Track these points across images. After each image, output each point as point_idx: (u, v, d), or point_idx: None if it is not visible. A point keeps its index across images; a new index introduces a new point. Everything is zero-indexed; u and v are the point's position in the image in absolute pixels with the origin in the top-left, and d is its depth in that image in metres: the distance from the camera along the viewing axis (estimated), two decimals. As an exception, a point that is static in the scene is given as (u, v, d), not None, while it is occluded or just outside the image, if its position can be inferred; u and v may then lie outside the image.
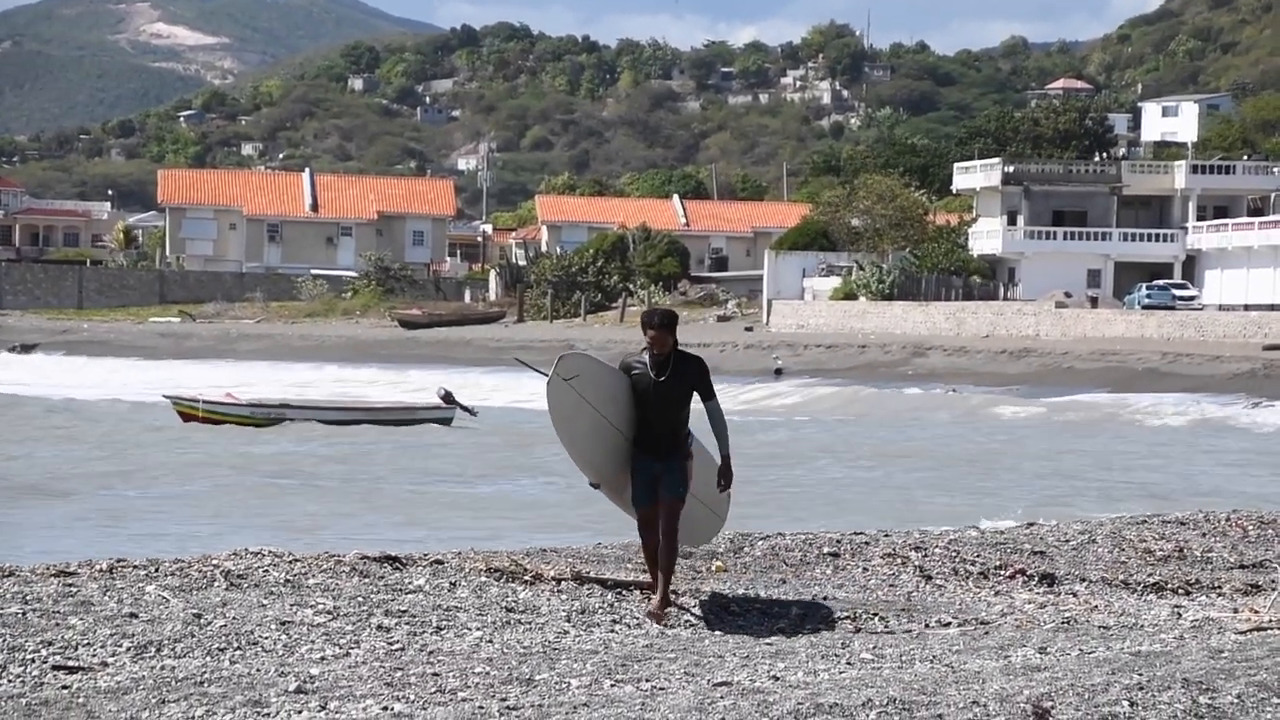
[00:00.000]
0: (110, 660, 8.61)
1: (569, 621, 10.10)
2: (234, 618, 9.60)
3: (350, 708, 7.59)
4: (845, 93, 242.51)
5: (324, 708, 7.58)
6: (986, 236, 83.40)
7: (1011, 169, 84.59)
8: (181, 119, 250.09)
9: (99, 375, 61.18)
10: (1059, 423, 43.19)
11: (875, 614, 11.01)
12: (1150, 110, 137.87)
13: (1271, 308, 69.53)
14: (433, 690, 7.97)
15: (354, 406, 38.00)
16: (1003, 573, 13.02)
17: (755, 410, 47.27)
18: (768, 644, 9.65)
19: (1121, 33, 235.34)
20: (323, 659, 8.76)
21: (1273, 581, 12.83)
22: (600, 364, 10.67)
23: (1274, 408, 45.19)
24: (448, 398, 35.70)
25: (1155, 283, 76.18)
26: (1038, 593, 12.34)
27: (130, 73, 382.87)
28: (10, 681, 8.13)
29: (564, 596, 10.89)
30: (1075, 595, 12.26)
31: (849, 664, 8.96)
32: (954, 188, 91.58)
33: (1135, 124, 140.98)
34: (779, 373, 61.62)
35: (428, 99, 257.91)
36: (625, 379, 10.46)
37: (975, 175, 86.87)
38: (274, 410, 36.22)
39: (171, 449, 31.24)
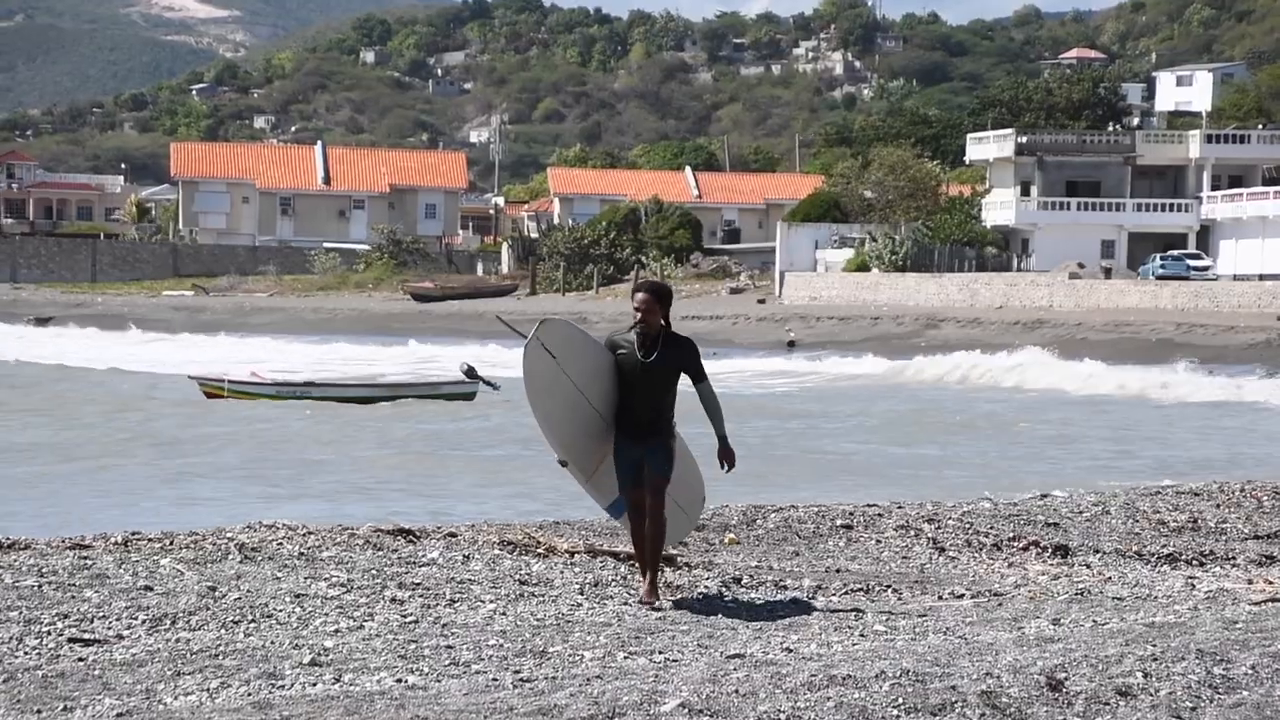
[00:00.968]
0: (125, 633, 8.64)
1: (582, 594, 10.12)
2: (248, 590, 9.63)
3: (364, 680, 7.61)
4: (857, 63, 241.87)
5: (338, 680, 7.61)
6: (1000, 207, 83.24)
7: (1025, 139, 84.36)
8: (194, 92, 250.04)
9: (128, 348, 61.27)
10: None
11: (888, 586, 11.02)
12: (1165, 79, 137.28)
13: (1286, 278, 69.38)
14: (447, 663, 7.99)
15: (378, 384, 38.02)
16: (1016, 544, 13.03)
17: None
18: (781, 616, 9.66)
19: (1135, 1, 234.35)
20: (337, 631, 8.79)
21: (1286, 552, 12.83)
22: (585, 336, 10.05)
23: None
24: (470, 372, 35.67)
25: (1170, 253, 75.99)
26: (1051, 564, 12.34)
27: (142, 46, 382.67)
28: (27, 654, 8.16)
29: (577, 569, 10.92)
30: (1089, 567, 12.27)
31: (862, 636, 8.98)
32: (967, 158, 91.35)
33: (1149, 93, 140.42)
34: (792, 345, 61.60)
35: (439, 71, 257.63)
36: (610, 357, 9.84)
37: (988, 146, 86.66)
38: (299, 388, 36.33)
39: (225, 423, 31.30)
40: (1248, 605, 10.01)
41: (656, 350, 9.71)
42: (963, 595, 10.73)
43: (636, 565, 10.23)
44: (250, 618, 9.05)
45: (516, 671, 7.77)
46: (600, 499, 10.17)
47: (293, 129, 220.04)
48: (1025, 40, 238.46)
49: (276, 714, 6.57)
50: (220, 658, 8.06)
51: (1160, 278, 70.79)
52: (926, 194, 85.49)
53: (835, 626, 9.26)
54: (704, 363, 9.92)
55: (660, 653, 8.37)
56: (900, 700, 6.59)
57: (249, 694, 7.31)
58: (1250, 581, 11.47)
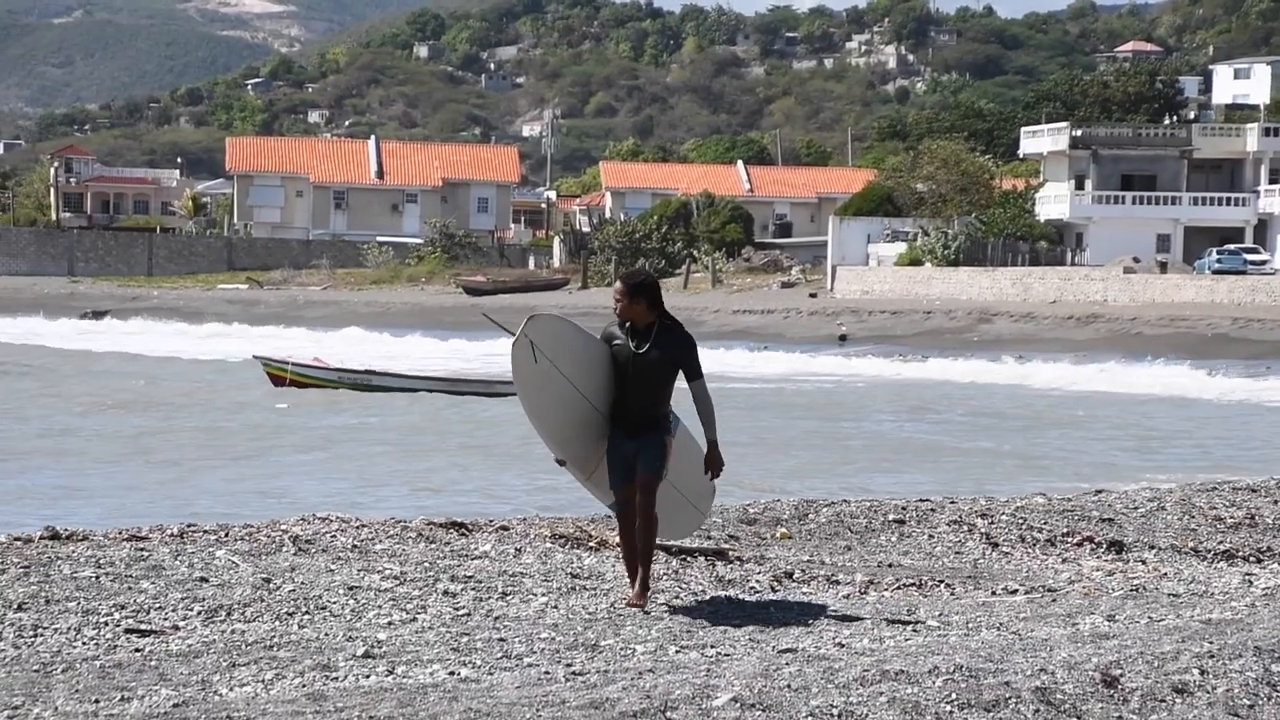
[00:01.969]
0: (181, 624, 8.70)
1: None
2: (302, 582, 9.68)
3: (417, 672, 7.64)
4: (910, 57, 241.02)
5: (391, 672, 7.64)
6: (1054, 201, 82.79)
7: (1079, 133, 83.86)
8: (249, 87, 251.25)
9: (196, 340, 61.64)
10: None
11: (941, 581, 10.98)
12: (1222, 72, 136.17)
13: (1344, 273, 68.78)
14: (499, 655, 8.01)
15: (437, 376, 38.11)
16: (1070, 540, 12.97)
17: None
18: (833, 611, 9.65)
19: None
20: (390, 624, 8.82)
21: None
22: (577, 329, 9.63)
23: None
24: None
25: (1226, 247, 75.43)
26: (1106, 560, 12.28)
27: (198, 41, 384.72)
28: (85, 644, 8.23)
29: (630, 562, 10.92)
30: (1144, 562, 12.20)
31: (915, 631, 8.95)
32: (1021, 152, 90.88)
33: (1206, 86, 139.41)
34: (843, 339, 61.45)
35: (492, 66, 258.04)
36: (605, 349, 9.48)
37: (1043, 139, 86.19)
38: (360, 376, 36.53)
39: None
40: (1304, 602, 9.93)
41: (650, 341, 9.37)
42: (1016, 591, 10.69)
43: (626, 566, 9.72)
44: (304, 610, 9.09)
45: (569, 665, 7.79)
46: (603, 497, 9.78)
47: (346, 123, 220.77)
48: (1080, 33, 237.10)
49: (330, 706, 6.61)
50: (275, 649, 8.11)
51: (1216, 272, 70.26)
52: (979, 188, 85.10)
53: (888, 621, 9.24)
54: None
55: (712, 647, 8.37)
56: (954, 696, 6.57)
57: (303, 685, 7.35)
58: (1307, 578, 11.38)
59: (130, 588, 9.40)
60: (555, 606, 9.46)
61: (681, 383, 9.43)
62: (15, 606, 8.83)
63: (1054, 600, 10.23)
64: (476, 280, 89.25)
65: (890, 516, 13.72)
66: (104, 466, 22.71)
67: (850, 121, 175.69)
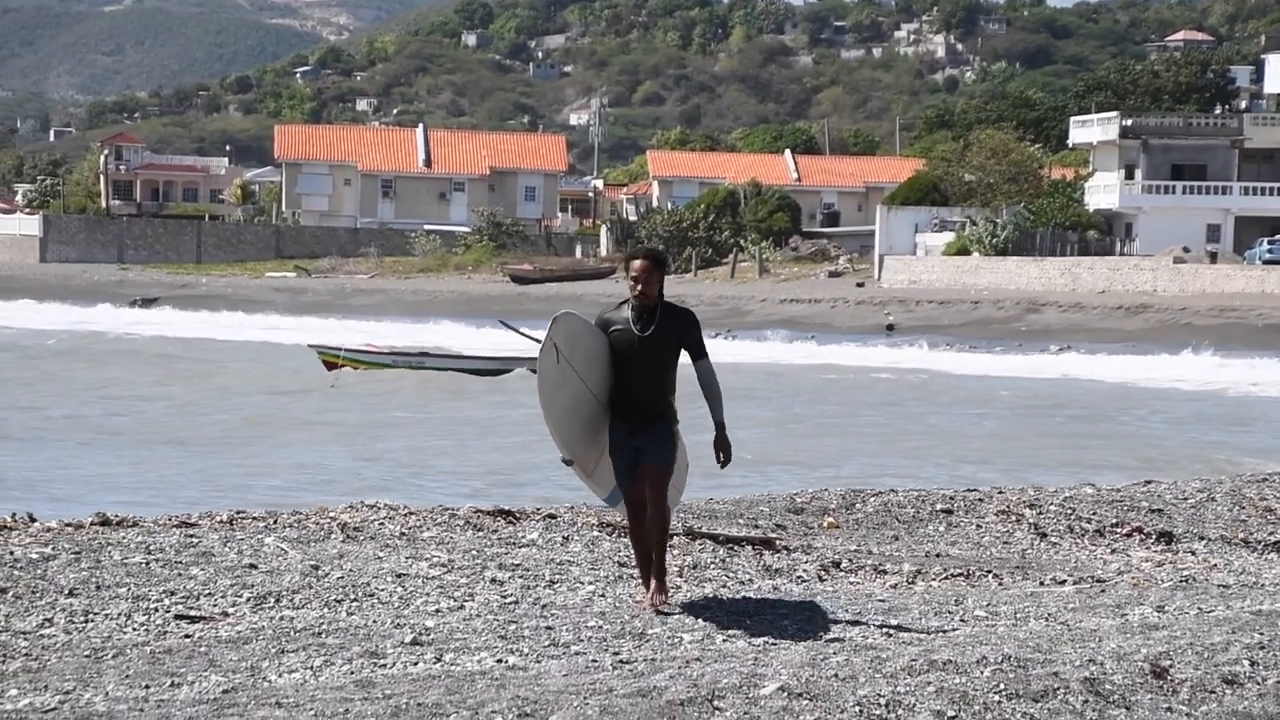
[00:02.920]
0: (231, 610, 8.74)
1: (681, 576, 10.12)
2: (350, 570, 9.72)
3: (465, 660, 7.66)
4: (960, 46, 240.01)
5: (439, 660, 7.66)
6: (1103, 191, 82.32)
7: (1130, 122, 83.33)
8: (298, 75, 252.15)
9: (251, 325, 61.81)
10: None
11: (989, 571, 10.95)
12: (1274, 62, 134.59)
13: (1396, 263, 68.18)
14: (546, 644, 8.02)
15: (489, 355, 38.10)
16: (1119, 530, 12.91)
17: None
18: (880, 600, 9.63)
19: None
20: (438, 611, 8.85)
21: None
22: (586, 324, 9.18)
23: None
24: None
25: (1277, 237, 74.87)
26: (1155, 551, 12.22)
27: (248, 29, 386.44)
28: (135, 630, 8.28)
29: (675, 552, 10.92)
30: (1194, 553, 12.14)
31: (962, 621, 8.93)
32: (1070, 142, 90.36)
33: (1258, 76, 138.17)
34: (891, 329, 61.28)
35: (540, 54, 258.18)
36: (604, 339, 9.02)
37: (1092, 129, 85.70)
38: (413, 359, 36.66)
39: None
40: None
41: (655, 322, 8.91)
42: (1065, 581, 10.65)
43: (639, 567, 9.28)
44: (353, 597, 9.13)
45: (616, 653, 7.79)
46: (600, 491, 9.33)
47: (394, 112, 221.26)
48: (1131, 22, 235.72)
49: (379, 693, 6.63)
50: (323, 636, 8.14)
51: (1267, 262, 69.74)
52: (1028, 178, 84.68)
53: (935, 611, 9.22)
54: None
55: (759, 636, 8.37)
56: (1002, 686, 6.55)
57: (351, 672, 7.38)
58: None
59: (180, 574, 9.45)
60: (602, 595, 9.46)
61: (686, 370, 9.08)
62: (66, 592, 8.89)
63: (1103, 591, 10.19)
64: (523, 269, 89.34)
65: (938, 506, 13.69)
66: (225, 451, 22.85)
67: (898, 111, 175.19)
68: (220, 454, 22.90)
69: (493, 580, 9.68)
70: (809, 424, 28.88)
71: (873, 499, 13.95)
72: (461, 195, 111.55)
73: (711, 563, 10.60)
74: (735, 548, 11.23)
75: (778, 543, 11.52)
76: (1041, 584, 10.56)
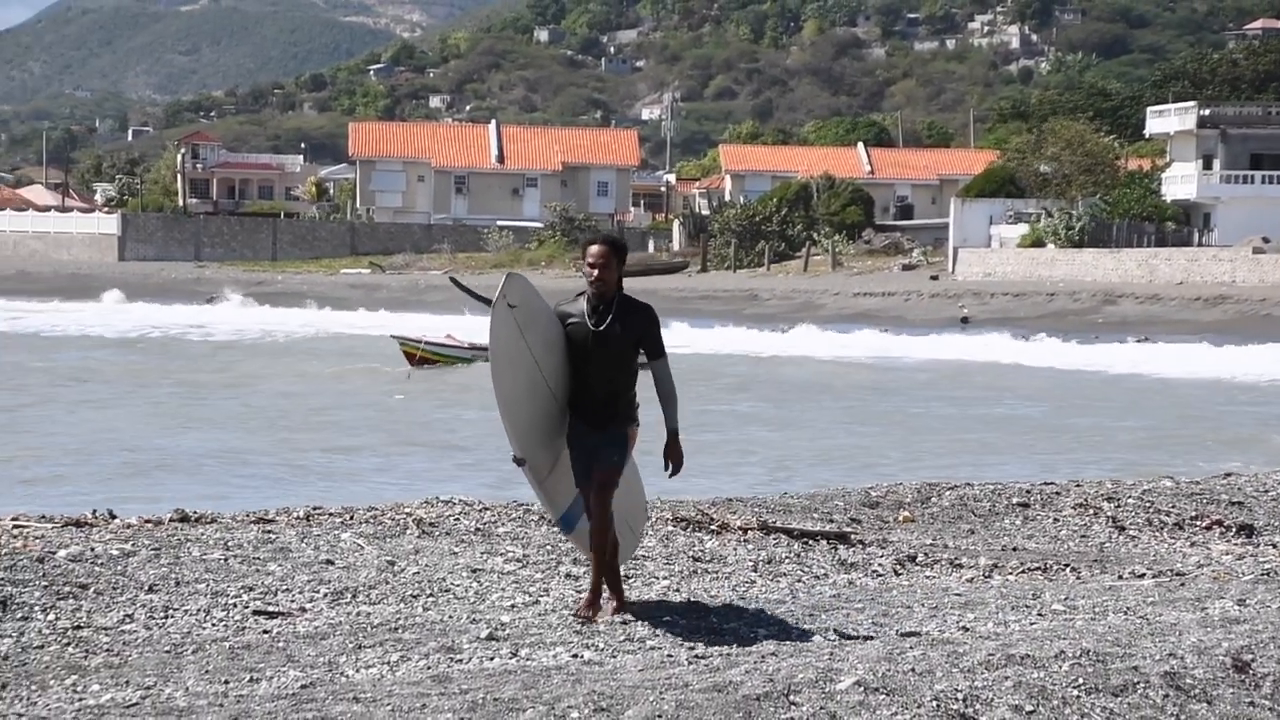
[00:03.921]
0: (308, 605, 8.79)
1: (755, 571, 10.11)
2: (426, 565, 9.75)
3: (541, 655, 7.67)
4: (1034, 37, 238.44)
5: (515, 654, 7.68)
6: (1180, 181, 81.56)
7: (1207, 112, 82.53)
8: (371, 72, 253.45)
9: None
10: None
11: (1067, 565, 10.88)
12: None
13: None
14: (621, 639, 8.03)
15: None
16: (1199, 523, 12.79)
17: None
18: (956, 595, 9.58)
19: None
20: (513, 606, 8.87)
21: None
22: (542, 300, 8.49)
23: None
24: None
25: (1358, 227, 73.96)
26: (1235, 544, 12.11)
27: (322, 27, 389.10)
28: (214, 625, 8.34)
29: (750, 546, 10.91)
30: (1275, 546, 12.01)
31: (1040, 615, 8.87)
32: (1146, 132, 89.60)
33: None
34: (965, 321, 60.95)
35: (612, 49, 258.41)
36: (560, 327, 8.40)
37: (1169, 119, 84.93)
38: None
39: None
40: None
41: (611, 316, 8.33)
42: (1144, 575, 10.56)
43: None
44: (429, 592, 9.17)
45: (691, 648, 7.79)
46: (553, 509, 8.61)
47: (467, 108, 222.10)
48: (1209, 11, 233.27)
49: (455, 687, 6.65)
50: (400, 631, 8.18)
51: (1348, 252, 68.88)
52: (1104, 168, 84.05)
53: (1012, 605, 9.16)
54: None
55: (835, 630, 8.35)
56: (1081, 680, 6.50)
57: (428, 667, 7.41)
58: None
59: (258, 570, 9.51)
60: (677, 590, 9.46)
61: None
62: (146, 588, 8.97)
63: (1182, 584, 10.10)
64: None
65: (1014, 500, 13.61)
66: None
67: (973, 102, 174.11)
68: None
69: (567, 575, 9.70)
70: (884, 417, 28.77)
71: (948, 492, 13.88)
72: (534, 191, 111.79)
73: (786, 557, 10.58)
74: (810, 542, 11.21)
75: (853, 537, 11.49)
76: (1120, 578, 10.48)
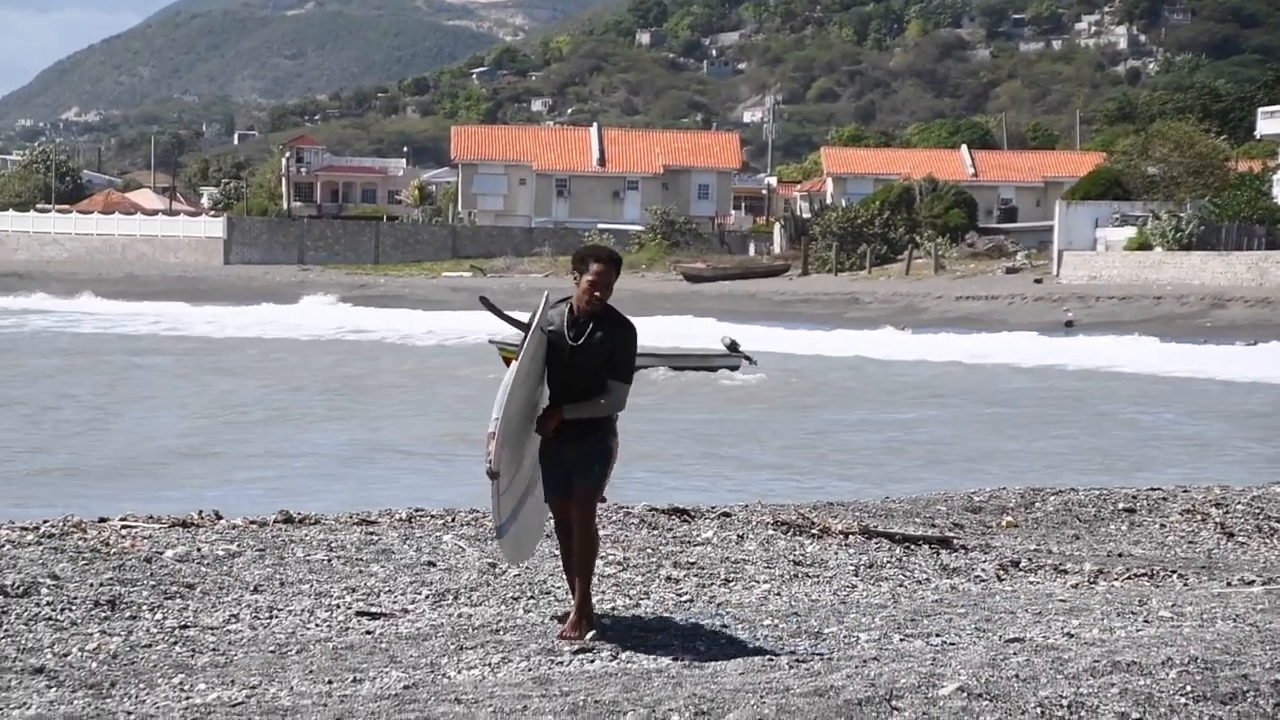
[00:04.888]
0: (410, 607, 8.84)
1: (857, 575, 10.06)
2: (527, 567, 9.78)
3: (641, 658, 7.67)
4: (1142, 37, 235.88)
5: (615, 657, 7.68)
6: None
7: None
8: (474, 76, 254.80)
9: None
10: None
11: (1174, 571, 10.74)
12: None
13: None
14: (723, 642, 8.02)
15: (657, 353, 38.53)
16: (1308, 531, 12.60)
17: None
18: (1061, 600, 9.48)
19: None
20: (614, 610, 8.87)
21: None
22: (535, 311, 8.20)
23: None
24: (732, 346, 36.71)
25: None
26: (1346, 553, 11.91)
27: (425, 31, 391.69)
28: (318, 626, 8.41)
29: (852, 550, 10.86)
30: (1386, 556, 11.81)
31: (1146, 622, 8.76)
32: (1257, 133, 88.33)
33: None
34: (1070, 325, 60.38)
35: (714, 52, 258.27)
36: (542, 336, 8.11)
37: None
38: None
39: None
40: None
41: (588, 331, 8.03)
42: (1253, 582, 10.41)
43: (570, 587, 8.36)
44: (529, 594, 9.19)
45: (792, 652, 7.76)
46: (496, 517, 8.13)
47: (569, 111, 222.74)
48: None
49: (556, 690, 6.66)
50: (501, 633, 8.21)
51: None
52: (1213, 170, 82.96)
53: (1118, 611, 9.06)
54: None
55: (937, 635, 8.29)
56: (1188, 688, 6.41)
57: (529, 669, 7.43)
58: None
59: (361, 571, 9.58)
60: (778, 593, 9.43)
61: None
62: (252, 589, 9.06)
63: (1292, 593, 9.95)
64: (696, 267, 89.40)
65: (1120, 505, 13.47)
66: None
67: (1078, 104, 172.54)
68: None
69: (668, 578, 9.69)
70: (987, 421, 28.56)
71: (1052, 497, 13.77)
72: (635, 194, 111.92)
73: (888, 562, 10.52)
74: (912, 546, 11.14)
75: (955, 542, 11.41)
76: (1229, 584, 10.33)
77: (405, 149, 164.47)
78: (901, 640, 8.15)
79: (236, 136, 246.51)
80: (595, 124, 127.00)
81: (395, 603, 8.91)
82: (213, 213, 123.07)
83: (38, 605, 8.38)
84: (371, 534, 10.67)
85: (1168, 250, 75.20)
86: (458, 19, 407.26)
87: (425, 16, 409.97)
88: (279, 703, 6.68)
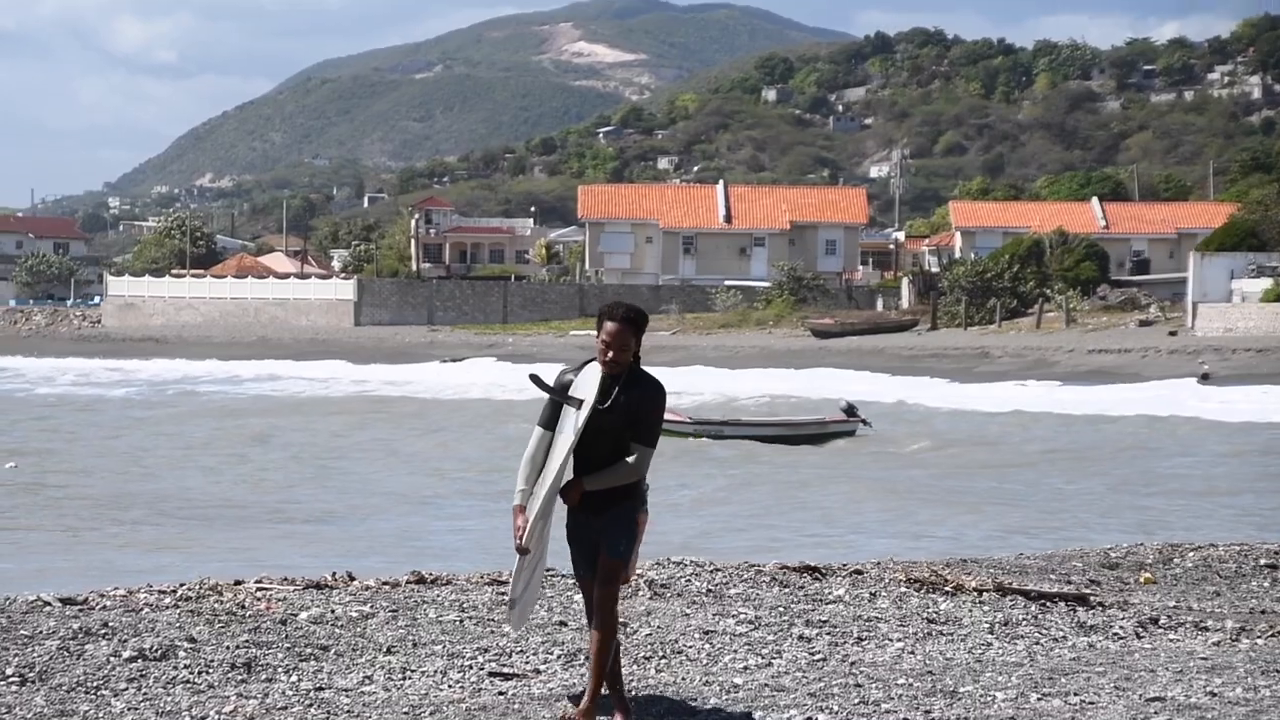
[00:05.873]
0: (542, 667, 8.85)
1: (992, 633, 9.94)
2: (658, 626, 9.76)
3: (774, 718, 7.62)
4: (1277, 87, 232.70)
5: (748, 717, 7.63)
6: None
7: None
8: (600, 135, 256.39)
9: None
10: None
11: (1319, 630, 10.50)
12: None
13: None
14: (856, 701, 7.94)
15: (778, 422, 38.51)
16: None
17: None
18: (1202, 658, 9.31)
19: None
20: (746, 669, 8.83)
21: None
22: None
23: None
24: (850, 410, 36.41)
25: None
26: None
27: (552, 91, 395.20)
28: (450, 687, 8.43)
29: (986, 608, 10.73)
30: None
31: (1291, 682, 8.58)
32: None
33: None
34: (1205, 378, 59.49)
35: (840, 107, 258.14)
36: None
37: None
38: (714, 427, 37.10)
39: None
40: None
41: (618, 392, 7.46)
42: (1401, 641, 10.15)
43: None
44: (661, 654, 9.16)
45: (927, 711, 7.68)
46: (513, 590, 7.95)
47: (695, 169, 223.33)
48: None
49: (689, 750, 6.63)
50: (633, 693, 8.18)
51: None
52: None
53: (1263, 670, 8.87)
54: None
55: (1075, 695, 8.17)
56: (1336, 752, 6.26)
57: (661, 729, 7.40)
58: None
59: (493, 631, 9.60)
60: (912, 652, 9.34)
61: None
62: (385, 650, 9.10)
63: None
64: (824, 323, 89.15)
65: (1262, 561, 13.21)
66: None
67: (1211, 154, 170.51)
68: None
69: (800, 637, 9.63)
70: (1120, 476, 28.17)
71: (1191, 553, 13.53)
72: (762, 250, 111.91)
73: (1023, 619, 10.38)
74: (1048, 604, 10.99)
75: (1092, 599, 11.24)
76: (1375, 644, 10.09)
77: (532, 209, 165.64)
78: (1039, 699, 8.04)
79: (366, 199, 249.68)
80: (721, 181, 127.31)
81: (528, 663, 8.92)
82: (343, 275, 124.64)
83: (175, 669, 8.47)
84: (503, 593, 10.69)
85: (1306, 301, 73.97)
86: (584, 79, 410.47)
87: (552, 78, 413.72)
88: (413, 763, 6.70)
